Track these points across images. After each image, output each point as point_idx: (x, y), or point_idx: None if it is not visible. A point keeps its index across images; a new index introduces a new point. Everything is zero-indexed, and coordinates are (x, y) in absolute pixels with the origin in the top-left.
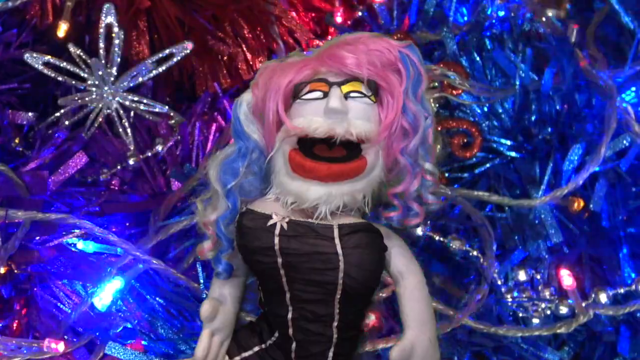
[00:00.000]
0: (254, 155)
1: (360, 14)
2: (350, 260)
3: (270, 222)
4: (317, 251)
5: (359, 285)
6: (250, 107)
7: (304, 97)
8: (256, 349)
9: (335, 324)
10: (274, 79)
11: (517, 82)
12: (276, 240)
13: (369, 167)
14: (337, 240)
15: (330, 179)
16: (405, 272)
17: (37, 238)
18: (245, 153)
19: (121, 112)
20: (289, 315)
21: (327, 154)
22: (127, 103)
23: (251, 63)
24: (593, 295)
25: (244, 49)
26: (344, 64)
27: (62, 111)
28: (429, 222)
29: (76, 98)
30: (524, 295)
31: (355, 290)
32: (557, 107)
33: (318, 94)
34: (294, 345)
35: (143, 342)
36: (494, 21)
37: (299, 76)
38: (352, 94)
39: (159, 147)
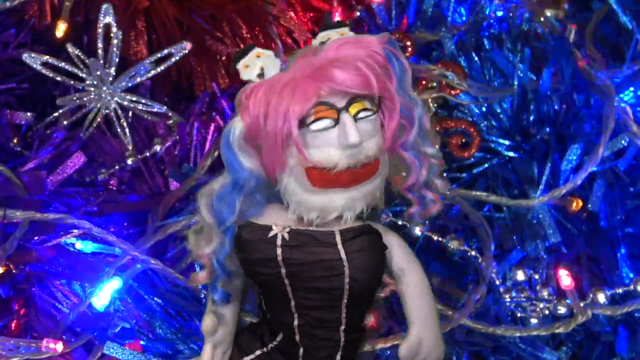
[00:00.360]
0: (252, 184)
1: (358, 13)
2: (355, 264)
3: (271, 233)
4: (321, 259)
5: (364, 288)
6: (243, 136)
7: (312, 126)
8: (258, 352)
9: (342, 327)
10: (272, 107)
11: (516, 82)
12: (278, 251)
13: (381, 165)
14: (340, 246)
15: (353, 183)
16: (406, 269)
17: (36, 238)
18: (243, 185)
19: (119, 112)
20: (295, 322)
21: None
22: (125, 103)
23: None
24: (591, 295)
25: None
26: (346, 86)
27: (60, 111)
28: (427, 222)
29: (74, 98)
30: (522, 295)
31: (361, 293)
32: (556, 107)
33: (328, 123)
34: (301, 351)
35: (141, 342)
36: (492, 21)
37: (306, 106)
38: (360, 115)
39: (157, 147)
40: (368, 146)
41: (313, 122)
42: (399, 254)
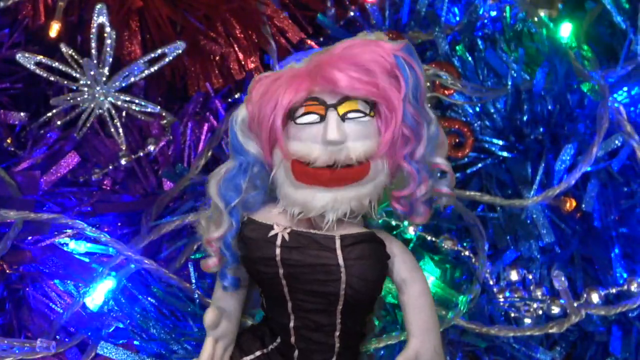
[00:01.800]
0: (255, 170)
1: (352, 14)
2: (351, 272)
3: (272, 233)
4: (319, 263)
5: (360, 296)
6: (245, 122)
7: (299, 120)
8: (258, 353)
9: (337, 333)
10: (268, 96)
11: (509, 82)
12: (277, 251)
13: (372, 171)
14: (339, 252)
15: (334, 183)
16: (409, 279)
17: (29, 238)
18: (247, 168)
19: (113, 112)
20: (291, 324)
21: None
22: (119, 103)
23: (243, 63)
24: (585, 295)
25: (236, 48)
26: (337, 86)
27: (54, 111)
28: None
29: (68, 98)
30: (516, 295)
31: (357, 300)
32: (549, 107)
33: (314, 118)
34: (296, 353)
35: (135, 342)
36: (486, 21)
37: (295, 98)
38: (349, 115)
39: (151, 147)
40: (352, 147)
41: (301, 115)
42: (402, 264)
